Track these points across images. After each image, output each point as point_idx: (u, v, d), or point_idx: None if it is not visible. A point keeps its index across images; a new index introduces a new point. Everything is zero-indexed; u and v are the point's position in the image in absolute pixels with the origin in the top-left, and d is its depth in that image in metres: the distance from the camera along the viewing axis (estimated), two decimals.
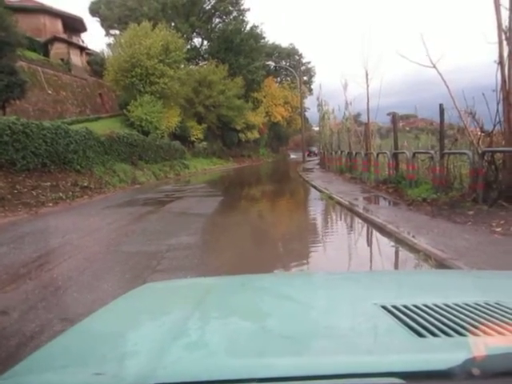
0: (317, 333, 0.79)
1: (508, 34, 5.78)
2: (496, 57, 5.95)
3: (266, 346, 0.72)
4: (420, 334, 0.71)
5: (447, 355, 0.62)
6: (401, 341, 0.72)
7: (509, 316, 0.78)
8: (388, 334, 0.76)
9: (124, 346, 0.83)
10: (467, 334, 0.71)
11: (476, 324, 0.74)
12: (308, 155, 42.05)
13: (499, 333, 0.71)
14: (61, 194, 10.71)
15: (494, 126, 6.23)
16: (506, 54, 5.87)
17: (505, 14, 5.85)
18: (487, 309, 0.83)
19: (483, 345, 0.66)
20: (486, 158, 6.25)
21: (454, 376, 0.57)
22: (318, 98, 21.60)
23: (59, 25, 31.37)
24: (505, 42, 5.85)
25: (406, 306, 0.85)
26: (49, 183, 10.92)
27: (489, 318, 0.77)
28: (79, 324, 0.97)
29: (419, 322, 0.76)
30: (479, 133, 6.72)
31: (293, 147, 63.16)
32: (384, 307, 0.85)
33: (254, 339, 0.77)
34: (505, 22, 5.82)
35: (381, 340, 0.76)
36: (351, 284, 1.31)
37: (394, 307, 0.85)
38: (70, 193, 11.20)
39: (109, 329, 0.94)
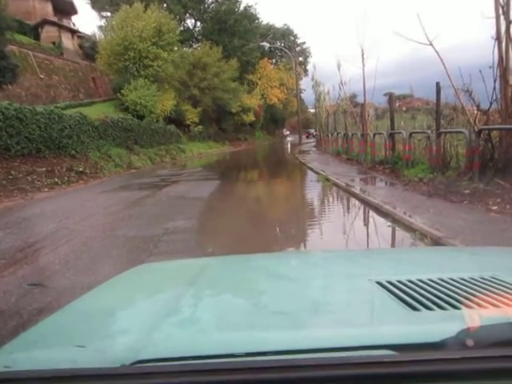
0: (310, 308, 0.78)
1: (505, 9, 5.69)
2: (493, 33, 5.88)
3: (258, 322, 0.71)
4: (414, 308, 0.71)
5: (441, 327, 0.62)
6: (394, 314, 0.71)
7: (504, 289, 0.78)
8: (382, 308, 0.75)
9: (115, 323, 0.82)
10: (461, 306, 0.70)
11: (471, 297, 0.74)
12: (307, 137, 42.09)
13: (494, 305, 0.70)
14: (56, 180, 10.65)
15: (491, 103, 6.18)
16: (503, 29, 5.79)
17: None
18: (482, 283, 0.82)
19: (477, 316, 0.65)
20: (482, 136, 6.23)
21: (448, 347, 0.57)
22: (312, 79, 21.36)
23: (49, 7, 30.66)
24: (502, 17, 5.76)
25: (400, 282, 0.84)
26: (44, 168, 10.85)
27: (484, 291, 0.77)
28: (72, 303, 0.96)
29: (413, 297, 0.76)
30: (476, 111, 6.68)
31: (289, 129, 62.64)
32: (379, 283, 0.85)
33: (246, 315, 0.76)
34: None
35: (374, 314, 0.76)
36: (347, 262, 1.30)
37: (389, 283, 0.84)
38: (66, 178, 11.14)
39: (101, 308, 0.93)
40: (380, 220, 5.48)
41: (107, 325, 0.81)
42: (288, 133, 56.94)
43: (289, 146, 36.02)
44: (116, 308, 0.92)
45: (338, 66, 14.21)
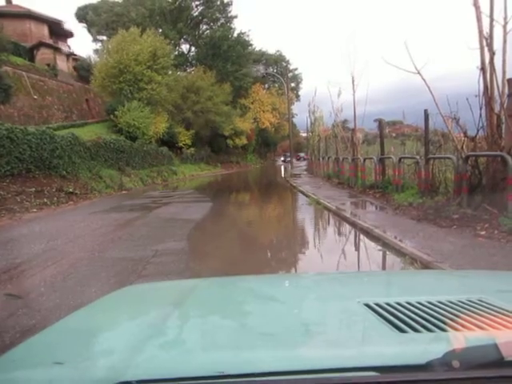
0: (297, 330, 0.78)
1: (489, 41, 5.91)
2: (478, 63, 6.07)
3: (244, 343, 0.70)
4: (401, 330, 0.71)
5: (427, 349, 0.62)
6: (381, 336, 0.71)
7: (490, 311, 0.78)
8: (369, 329, 0.75)
9: (99, 344, 0.81)
10: (448, 328, 0.70)
11: (457, 319, 0.74)
12: (297, 160, 42.68)
13: (480, 327, 0.70)
14: (45, 200, 10.55)
15: (478, 130, 6.32)
16: (487, 60, 5.99)
17: (486, 21, 5.99)
18: (469, 305, 0.83)
19: (463, 338, 0.65)
20: (469, 162, 6.34)
21: (434, 369, 0.57)
22: (309, 104, 21.59)
23: (45, 30, 31.15)
24: (486, 48, 5.97)
25: (389, 304, 0.84)
26: (33, 189, 10.75)
27: (470, 313, 0.77)
28: (56, 324, 0.95)
29: (401, 319, 0.76)
30: (463, 138, 6.83)
31: (280, 153, 63.07)
32: (367, 305, 0.85)
33: (233, 336, 0.75)
34: (486, 29, 5.95)
35: (361, 336, 0.75)
36: (336, 284, 1.30)
37: (377, 305, 0.84)
38: (55, 198, 11.03)
39: (85, 328, 0.92)
40: (371, 244, 5.49)
41: (90, 345, 0.79)
42: (289, 159, 43.77)
43: (280, 169, 36.20)
44: (100, 329, 0.90)
45: (338, 94, 14.41)
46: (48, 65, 27.86)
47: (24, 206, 9.62)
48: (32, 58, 27.69)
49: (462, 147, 6.69)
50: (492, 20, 5.93)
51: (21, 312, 3.19)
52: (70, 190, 12.16)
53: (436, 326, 0.72)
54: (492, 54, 5.94)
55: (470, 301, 0.86)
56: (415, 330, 0.71)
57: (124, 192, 15.43)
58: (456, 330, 0.70)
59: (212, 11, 39.24)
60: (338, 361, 0.60)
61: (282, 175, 25.33)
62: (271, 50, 53.34)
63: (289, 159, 45.34)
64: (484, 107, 6.12)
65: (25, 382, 0.61)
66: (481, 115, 6.19)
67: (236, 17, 40.92)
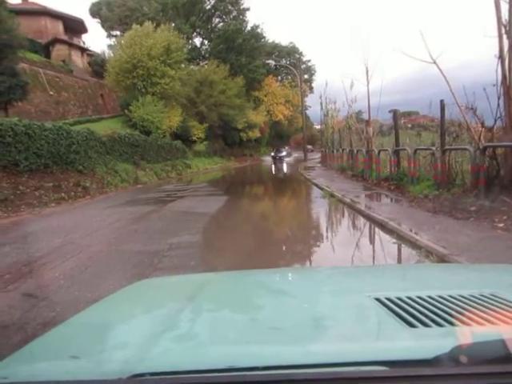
0: (306, 324, 0.79)
1: (508, 28, 5.76)
2: (496, 52, 5.93)
3: (255, 337, 0.72)
4: (411, 324, 0.71)
5: (436, 344, 0.62)
6: (391, 331, 0.72)
7: (502, 306, 0.78)
8: (379, 324, 0.76)
9: (114, 337, 0.83)
10: (458, 323, 0.71)
11: (468, 314, 0.74)
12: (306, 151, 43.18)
13: (490, 322, 0.70)
14: (63, 195, 10.75)
15: (495, 120, 6.19)
16: (506, 47, 5.84)
17: (504, 8, 5.83)
18: (481, 300, 0.83)
19: (472, 333, 0.65)
20: (487, 153, 6.22)
21: (442, 363, 0.57)
22: (320, 97, 21.41)
23: (60, 26, 31.50)
24: (505, 36, 5.82)
25: (399, 298, 0.85)
26: (51, 184, 10.96)
27: (482, 308, 0.77)
28: (73, 317, 0.98)
29: (411, 313, 0.76)
30: (480, 128, 6.69)
31: (293, 146, 62.86)
32: (377, 299, 0.85)
33: (243, 330, 0.77)
34: (504, 16, 5.80)
35: (370, 330, 0.76)
36: (347, 278, 1.31)
37: (388, 299, 0.85)
38: (72, 193, 11.24)
39: (101, 322, 0.95)
40: (385, 237, 5.45)
41: (106, 339, 0.82)
42: (282, 154, 40.83)
43: (294, 162, 36.01)
44: (115, 322, 0.93)
45: (351, 86, 14.25)
46: (63, 61, 28.23)
47: (42, 200, 9.83)
48: (48, 55, 28.08)
49: (480, 138, 6.57)
50: (511, 6, 5.77)
51: (42, 304, 3.28)
52: (87, 184, 12.36)
53: (446, 320, 0.72)
54: (511, 41, 5.79)
55: (482, 295, 0.86)
56: (425, 325, 0.71)
57: (139, 186, 15.61)
58: (466, 324, 0.70)
59: (224, 4, 39.08)
60: (347, 355, 0.61)
61: (296, 167, 25.17)
62: (284, 42, 53.05)
63: (282, 154, 39.17)
64: (502, 97, 5.99)
65: (42, 374, 0.63)
66: (499, 105, 6.06)
67: (248, 9, 40.70)
